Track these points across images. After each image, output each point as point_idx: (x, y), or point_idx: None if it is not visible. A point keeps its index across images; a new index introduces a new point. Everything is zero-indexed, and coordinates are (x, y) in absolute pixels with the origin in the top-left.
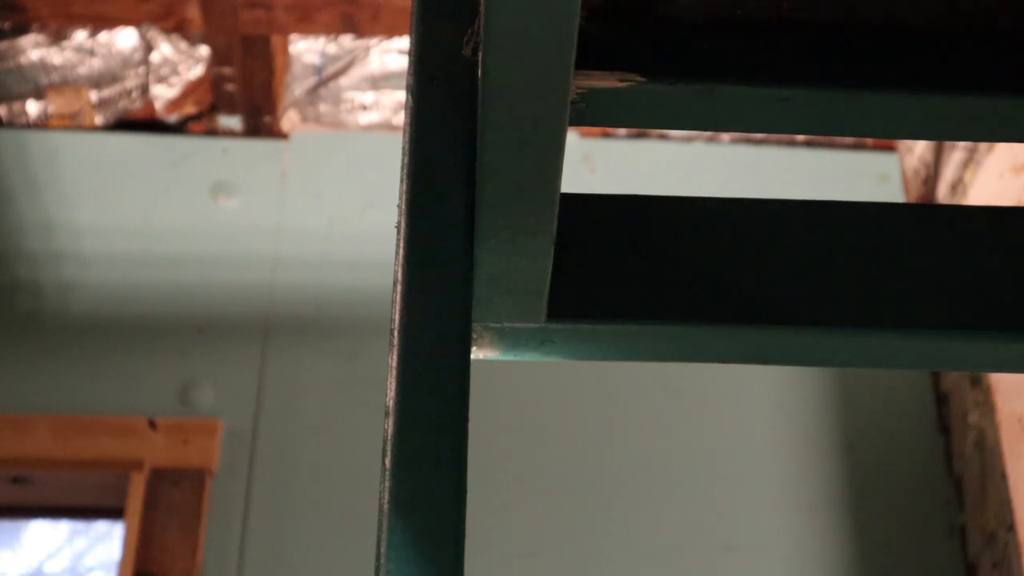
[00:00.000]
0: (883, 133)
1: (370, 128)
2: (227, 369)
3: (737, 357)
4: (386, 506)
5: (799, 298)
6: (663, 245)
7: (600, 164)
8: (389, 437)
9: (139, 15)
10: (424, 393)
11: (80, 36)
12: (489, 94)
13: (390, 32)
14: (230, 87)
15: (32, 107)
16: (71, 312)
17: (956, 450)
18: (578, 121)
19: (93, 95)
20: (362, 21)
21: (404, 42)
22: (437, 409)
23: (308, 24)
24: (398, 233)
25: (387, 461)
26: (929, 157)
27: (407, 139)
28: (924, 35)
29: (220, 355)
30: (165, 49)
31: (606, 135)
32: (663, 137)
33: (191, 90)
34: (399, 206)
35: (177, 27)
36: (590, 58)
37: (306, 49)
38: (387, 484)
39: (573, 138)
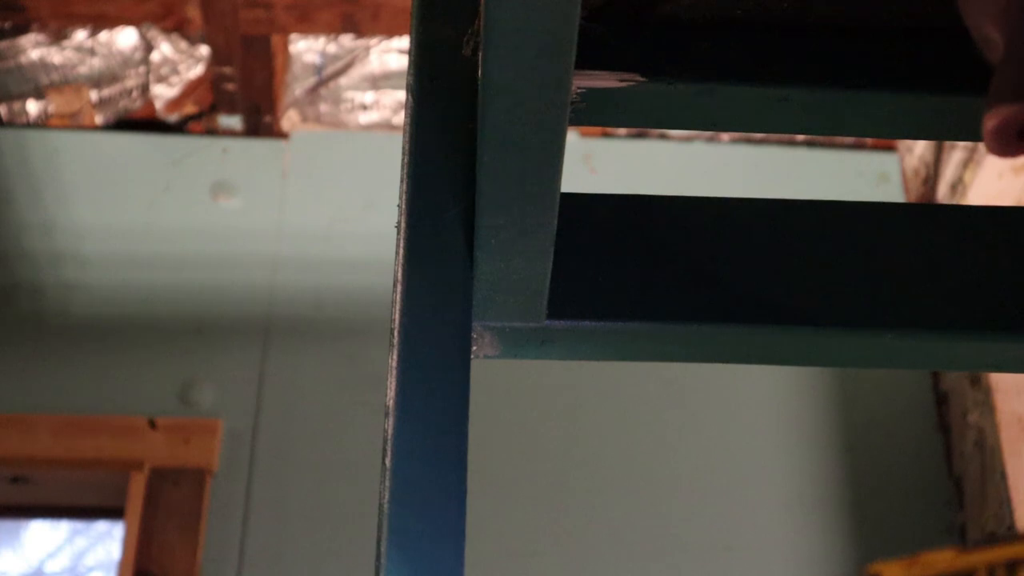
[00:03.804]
0: (883, 133)
1: (370, 128)
2: (227, 369)
3: (737, 357)
4: (386, 506)
5: (799, 298)
6: (663, 245)
7: (600, 164)
8: (389, 437)
9: (139, 14)
10: (424, 393)
11: (80, 35)
12: (489, 94)
13: (390, 32)
14: (230, 87)
15: (32, 107)
16: (71, 312)
17: (956, 450)
18: (578, 121)
19: (93, 95)
20: (362, 21)
21: (404, 42)
22: (437, 409)
23: (308, 24)
24: (398, 233)
25: (387, 460)
26: (929, 157)
27: (407, 139)
28: (924, 35)
29: (220, 355)
30: (165, 49)
31: (606, 135)
32: (663, 137)
33: (191, 90)
34: (399, 206)
35: (177, 27)
36: (590, 58)
37: (306, 49)
38: (387, 483)
39: (573, 138)
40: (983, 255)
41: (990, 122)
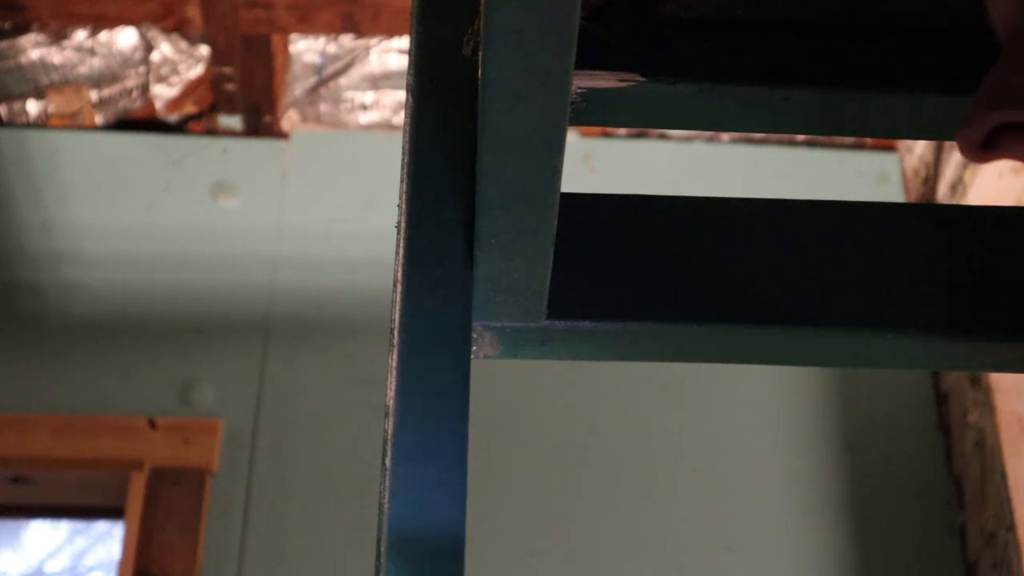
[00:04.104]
0: (883, 133)
1: (370, 128)
2: (227, 369)
3: (737, 357)
4: (386, 506)
5: (799, 298)
6: (663, 245)
7: (600, 164)
8: (389, 437)
9: (139, 14)
10: (424, 393)
11: (80, 35)
12: (489, 94)
13: (390, 32)
14: (230, 87)
15: (32, 107)
16: (71, 312)
17: (956, 450)
18: (578, 121)
19: (93, 95)
20: (362, 21)
21: (404, 42)
22: (437, 409)
23: (308, 24)
24: (398, 233)
25: (387, 461)
26: (929, 157)
27: (407, 139)
28: (924, 36)
29: (220, 355)
30: (165, 48)
31: (606, 135)
32: (663, 137)
33: (191, 90)
34: (399, 206)
35: (177, 26)
36: (590, 58)
37: (306, 49)
38: (387, 484)
39: (573, 138)
40: (983, 255)
41: (958, 132)
